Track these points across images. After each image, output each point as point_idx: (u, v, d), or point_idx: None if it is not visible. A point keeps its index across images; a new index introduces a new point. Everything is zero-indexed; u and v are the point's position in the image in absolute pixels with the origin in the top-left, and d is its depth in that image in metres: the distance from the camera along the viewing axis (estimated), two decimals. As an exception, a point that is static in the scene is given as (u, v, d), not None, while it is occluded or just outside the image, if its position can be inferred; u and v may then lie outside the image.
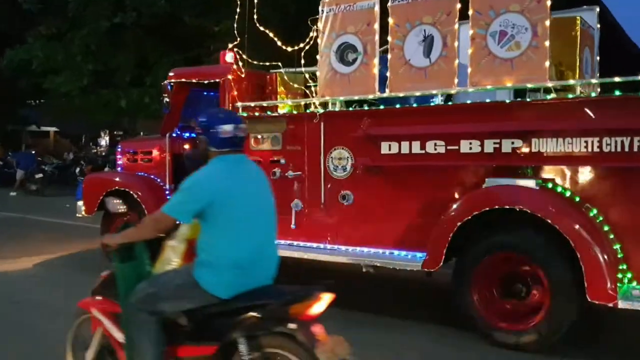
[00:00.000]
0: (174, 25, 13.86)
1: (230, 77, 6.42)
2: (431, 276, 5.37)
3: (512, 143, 4.81)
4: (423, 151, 5.23)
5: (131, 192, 6.98)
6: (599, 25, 5.91)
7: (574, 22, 5.23)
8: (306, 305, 2.70)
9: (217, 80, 6.49)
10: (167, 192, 7.04)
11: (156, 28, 14.09)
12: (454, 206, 4.90)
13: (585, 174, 4.63)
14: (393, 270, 5.42)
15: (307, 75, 6.40)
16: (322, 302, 2.73)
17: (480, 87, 5.03)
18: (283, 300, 2.76)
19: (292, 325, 2.68)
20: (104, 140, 25.32)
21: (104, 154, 22.50)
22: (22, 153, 18.87)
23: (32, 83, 16.83)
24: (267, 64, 6.61)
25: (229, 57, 6.86)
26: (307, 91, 6.34)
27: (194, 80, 6.79)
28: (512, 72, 4.87)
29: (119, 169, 7.93)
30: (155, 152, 7.30)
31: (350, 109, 5.77)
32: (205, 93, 7.52)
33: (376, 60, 5.55)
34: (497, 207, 4.65)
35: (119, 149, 8.00)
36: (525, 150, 4.73)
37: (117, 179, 7.28)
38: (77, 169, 17.02)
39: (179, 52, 13.95)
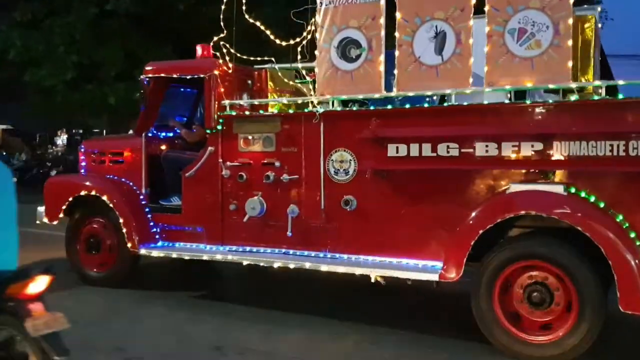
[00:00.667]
0: (167, 14, 12.77)
1: (216, 72, 5.93)
2: (438, 286, 5.11)
3: (532, 146, 4.59)
4: (434, 154, 4.94)
5: (103, 198, 6.36)
6: (600, 25, 5.80)
7: (589, 21, 5.08)
8: (22, 285, 3.08)
9: (202, 75, 5.98)
10: (142, 198, 6.47)
11: (145, 17, 12.96)
12: (474, 213, 4.64)
13: (610, 179, 4.47)
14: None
15: (303, 72, 5.97)
16: (39, 282, 3.10)
17: (498, 87, 4.80)
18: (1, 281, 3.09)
19: (10, 303, 3.05)
20: (60, 140, 23.36)
21: (60, 154, 20.70)
22: None
23: (5, 77, 15.13)
24: (258, 58, 6.15)
25: (200, 51, 6.37)
26: (305, 89, 5.93)
27: (174, 76, 6.24)
28: (532, 72, 4.65)
29: (81, 171, 7.26)
30: (128, 153, 6.69)
31: (354, 108, 5.42)
32: (182, 90, 7.01)
33: (382, 57, 5.22)
34: (523, 213, 4.42)
35: (82, 149, 7.33)
36: (547, 154, 4.52)
37: (87, 183, 6.61)
38: (54, 172, 15.37)
39: (174, 44, 12.88)
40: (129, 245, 6.19)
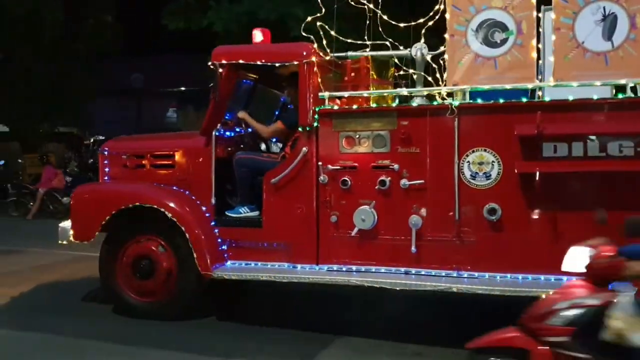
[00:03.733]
0: None
1: (313, 59, 4.98)
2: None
3: None
4: (603, 154, 4.29)
5: (161, 211, 5.17)
6: None
7: None
8: None
9: (296, 62, 5.01)
10: (204, 210, 5.34)
11: None
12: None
13: None
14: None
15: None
16: None
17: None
18: None
19: None
20: None
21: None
22: None
23: None
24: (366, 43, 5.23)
25: (259, 36, 5.44)
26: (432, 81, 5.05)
27: (259, 62, 5.16)
28: None
29: (104, 179, 5.99)
30: (184, 156, 5.54)
31: (500, 101, 4.65)
32: (245, 81, 5.94)
33: (534, 42, 4.53)
34: None
35: (105, 152, 6.05)
36: None
37: (139, 192, 5.35)
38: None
39: None
40: (200, 267, 5.06)
